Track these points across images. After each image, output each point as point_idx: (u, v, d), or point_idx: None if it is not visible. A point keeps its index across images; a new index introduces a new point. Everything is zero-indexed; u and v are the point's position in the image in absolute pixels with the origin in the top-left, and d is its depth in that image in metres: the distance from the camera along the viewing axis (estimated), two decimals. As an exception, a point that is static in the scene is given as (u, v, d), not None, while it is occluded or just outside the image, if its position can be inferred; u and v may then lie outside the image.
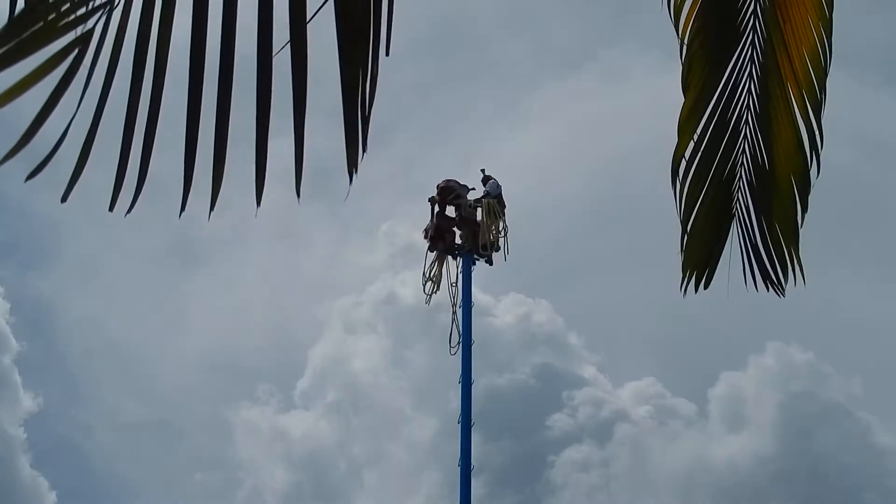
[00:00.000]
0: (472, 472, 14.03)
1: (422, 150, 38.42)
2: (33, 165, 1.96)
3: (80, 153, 2.02)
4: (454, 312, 15.39)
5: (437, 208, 16.18)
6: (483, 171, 16.75)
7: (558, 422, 25.94)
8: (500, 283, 33.79)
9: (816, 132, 3.82)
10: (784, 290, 3.96)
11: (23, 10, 1.93)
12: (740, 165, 3.96)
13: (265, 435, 31.07)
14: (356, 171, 2.14)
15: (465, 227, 16.05)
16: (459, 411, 14.51)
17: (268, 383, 30.52)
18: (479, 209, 16.09)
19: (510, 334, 27.84)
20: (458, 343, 15.11)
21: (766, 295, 3.97)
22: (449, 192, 16.20)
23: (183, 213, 2.10)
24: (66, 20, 1.95)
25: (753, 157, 3.94)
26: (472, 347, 15.10)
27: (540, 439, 25.77)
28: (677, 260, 3.95)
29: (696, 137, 3.87)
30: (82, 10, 1.95)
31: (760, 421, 27.18)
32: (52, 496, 26.88)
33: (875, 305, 32.85)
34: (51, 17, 1.93)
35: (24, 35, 1.90)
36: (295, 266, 38.17)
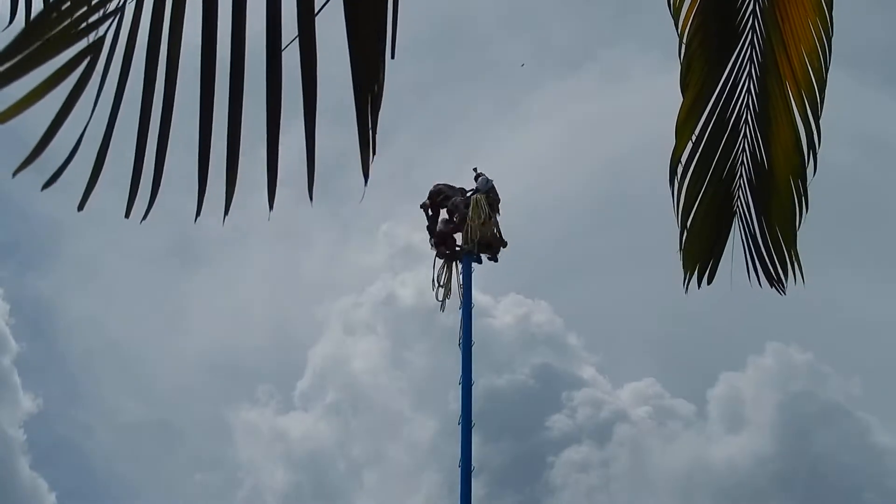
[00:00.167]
0: (472, 473, 14.02)
1: (422, 150, 38.45)
2: (40, 170, 1.96)
3: (96, 160, 2.03)
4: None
5: (430, 212, 16.20)
6: (475, 169, 16.78)
7: (558, 422, 25.97)
8: (499, 283, 33.80)
9: (815, 132, 3.82)
10: (785, 288, 3.96)
11: (35, 20, 1.93)
12: (740, 164, 3.96)
13: (265, 435, 31.11)
14: (369, 173, 2.13)
15: (463, 227, 16.05)
16: (460, 412, 14.51)
17: (267, 384, 30.56)
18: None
19: (510, 335, 27.89)
20: (460, 341, 15.12)
21: (766, 295, 3.98)
22: (438, 195, 16.21)
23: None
24: (77, 28, 1.95)
25: (753, 156, 3.94)
26: (472, 348, 15.11)
27: (539, 440, 25.81)
28: (677, 260, 3.95)
29: (695, 136, 3.87)
30: (94, 18, 1.96)
31: (760, 421, 27.22)
32: (52, 497, 26.90)
33: (875, 305, 32.90)
34: (62, 26, 1.93)
35: (37, 44, 1.90)
36: (295, 266, 38.22)
